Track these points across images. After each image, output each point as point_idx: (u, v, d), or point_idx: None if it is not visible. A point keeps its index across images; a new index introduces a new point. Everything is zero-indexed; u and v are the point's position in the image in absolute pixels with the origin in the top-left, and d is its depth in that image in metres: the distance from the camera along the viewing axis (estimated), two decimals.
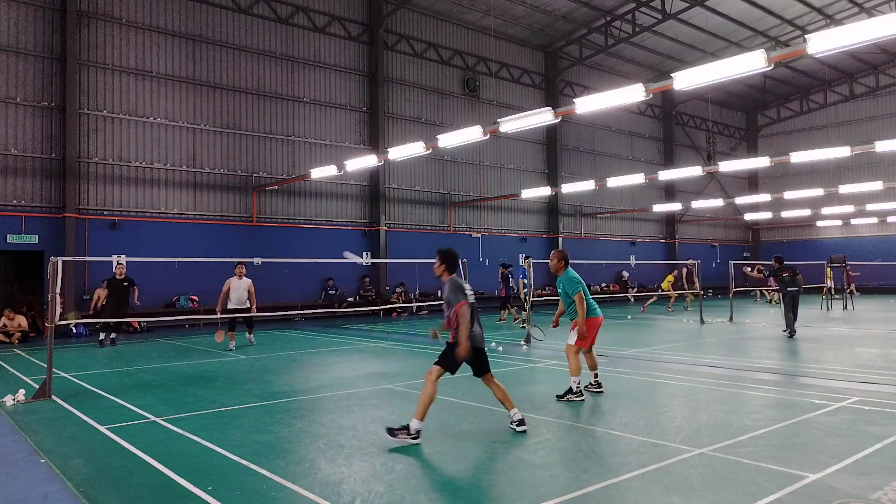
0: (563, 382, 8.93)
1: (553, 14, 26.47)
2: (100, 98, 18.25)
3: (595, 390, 8.06)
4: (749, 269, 23.07)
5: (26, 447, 5.96)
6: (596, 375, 8.16)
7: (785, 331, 14.14)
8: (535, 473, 5.00)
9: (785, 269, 14.46)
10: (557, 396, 7.74)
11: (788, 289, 14.24)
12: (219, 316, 12.99)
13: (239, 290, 13.29)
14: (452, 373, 6.11)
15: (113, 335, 14.55)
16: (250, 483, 4.83)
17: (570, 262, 8.13)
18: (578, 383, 7.65)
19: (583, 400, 7.60)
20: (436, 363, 6.01)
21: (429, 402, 5.88)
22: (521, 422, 6.20)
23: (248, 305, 13.37)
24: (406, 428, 5.84)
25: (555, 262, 8.05)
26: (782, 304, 14.63)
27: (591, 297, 7.99)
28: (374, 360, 11.56)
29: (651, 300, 23.94)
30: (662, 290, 22.95)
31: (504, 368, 10.26)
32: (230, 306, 13.19)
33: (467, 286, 6.18)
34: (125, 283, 14.54)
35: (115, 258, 16.88)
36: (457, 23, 26.25)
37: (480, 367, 6.18)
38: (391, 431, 5.85)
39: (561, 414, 6.99)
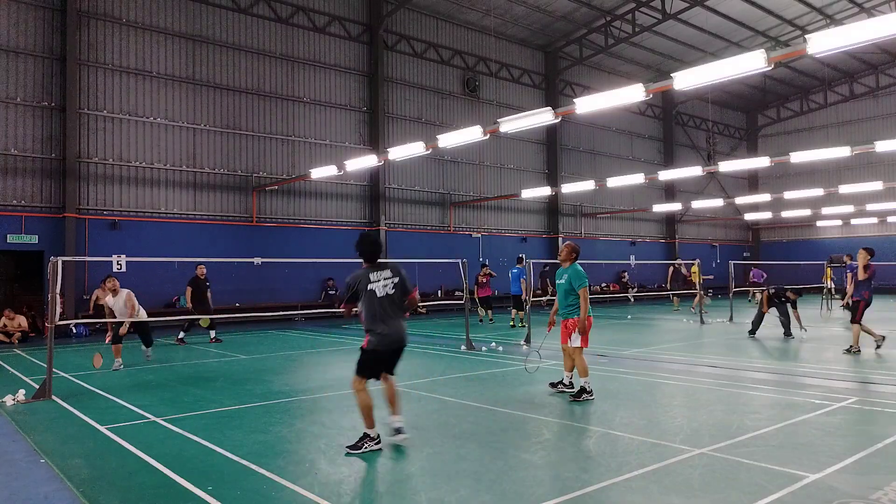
0: None
1: (553, 14, 26.47)
2: (100, 98, 18.25)
3: (566, 390, 7.98)
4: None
5: (26, 447, 5.95)
6: (572, 376, 8.07)
7: (789, 335, 13.90)
8: (535, 473, 5.00)
9: (787, 291, 14.04)
10: (572, 397, 7.67)
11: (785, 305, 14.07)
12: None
13: (116, 306, 11.21)
14: (371, 377, 5.73)
15: (181, 335, 14.65)
16: (250, 483, 4.83)
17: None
18: (588, 382, 7.66)
19: (593, 399, 7.61)
20: (355, 372, 5.75)
21: (366, 411, 5.64)
22: (400, 430, 5.78)
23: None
24: (366, 436, 5.61)
25: (565, 252, 7.93)
26: (777, 312, 14.12)
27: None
28: None
29: (697, 299, 23.06)
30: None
31: (504, 368, 10.26)
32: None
33: (379, 275, 5.65)
34: (207, 284, 14.56)
35: (115, 258, 16.94)
36: (457, 23, 26.25)
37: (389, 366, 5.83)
38: (351, 447, 5.57)
39: (561, 414, 6.99)
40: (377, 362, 5.73)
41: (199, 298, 14.54)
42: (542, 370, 10.07)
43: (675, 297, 23.79)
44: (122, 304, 11.19)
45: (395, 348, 5.74)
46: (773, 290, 14.10)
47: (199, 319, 14.62)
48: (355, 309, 5.70)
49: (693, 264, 22.42)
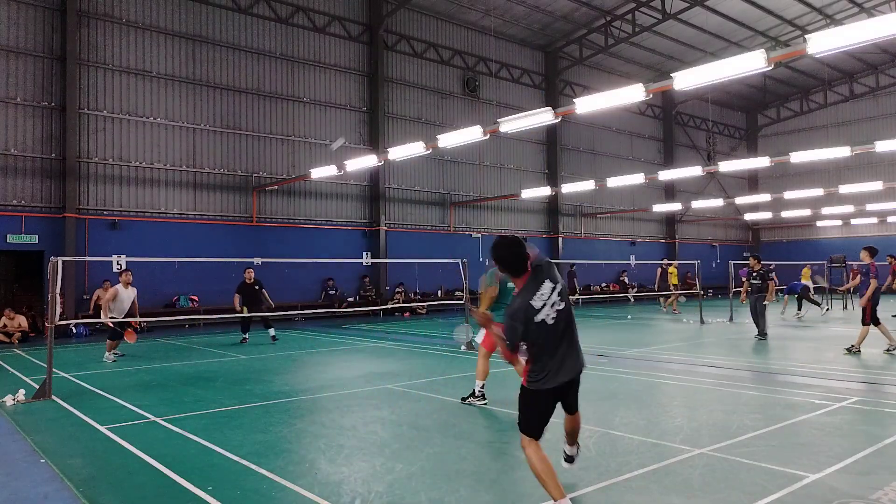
0: None
1: (553, 14, 26.46)
2: (100, 98, 18.25)
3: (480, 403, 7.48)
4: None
5: (26, 447, 5.95)
6: (483, 386, 7.49)
7: (760, 336, 13.62)
8: None
9: (766, 270, 14.10)
10: (462, 399, 7.57)
11: (762, 291, 13.93)
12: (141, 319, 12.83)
13: (125, 300, 11.85)
14: (536, 435, 4.30)
15: (246, 335, 14.61)
16: (250, 483, 4.83)
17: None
18: (483, 387, 7.44)
19: (485, 404, 7.36)
20: (521, 432, 4.38)
21: (546, 479, 4.11)
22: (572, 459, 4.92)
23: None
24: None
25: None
26: (756, 306, 13.84)
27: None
28: (374, 360, 11.55)
29: (671, 299, 23.05)
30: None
31: (503, 368, 10.26)
32: (117, 320, 11.79)
33: (541, 295, 4.10)
34: (256, 287, 14.34)
35: (114, 258, 16.93)
36: (457, 23, 26.25)
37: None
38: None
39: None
40: (541, 404, 4.24)
41: (252, 301, 14.23)
42: None
43: (661, 298, 23.75)
44: (132, 297, 12.00)
45: (560, 383, 4.17)
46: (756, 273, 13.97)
47: (251, 317, 14.44)
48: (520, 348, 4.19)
49: (671, 264, 22.54)
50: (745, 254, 39.51)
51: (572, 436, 4.78)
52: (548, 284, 4.14)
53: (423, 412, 7.16)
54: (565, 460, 4.88)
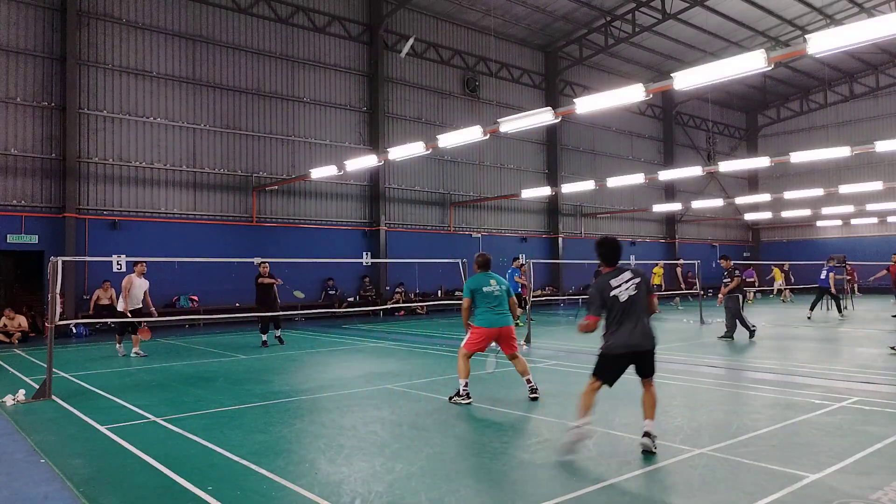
0: (563, 382, 8.94)
1: (553, 14, 26.46)
2: (100, 98, 18.25)
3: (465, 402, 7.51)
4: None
5: (26, 447, 5.95)
6: (466, 385, 7.58)
7: (729, 337, 13.57)
8: (535, 473, 5.00)
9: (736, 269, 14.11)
10: (449, 398, 7.64)
11: (742, 288, 13.91)
12: (151, 319, 12.95)
13: (139, 289, 12.41)
14: (607, 384, 5.47)
15: (278, 333, 14.24)
16: (250, 483, 4.83)
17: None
18: (466, 384, 7.51)
19: (469, 403, 7.41)
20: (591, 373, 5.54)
21: (584, 409, 5.40)
22: (649, 434, 5.43)
23: (143, 307, 12.60)
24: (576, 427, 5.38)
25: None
26: (730, 306, 13.73)
27: (487, 302, 7.55)
28: (374, 360, 11.56)
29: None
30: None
31: (503, 368, 10.25)
32: (131, 307, 12.29)
33: (621, 279, 5.42)
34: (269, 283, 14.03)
35: (114, 258, 16.94)
36: (457, 23, 26.25)
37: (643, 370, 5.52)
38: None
39: (561, 414, 6.99)
40: (613, 366, 5.42)
41: (266, 300, 13.87)
42: (543, 369, 10.05)
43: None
44: (145, 288, 12.44)
45: (635, 352, 5.39)
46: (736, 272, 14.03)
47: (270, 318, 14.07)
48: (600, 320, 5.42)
49: (657, 265, 22.66)
50: (744, 254, 39.63)
51: (649, 409, 5.52)
52: (628, 275, 5.51)
53: (423, 412, 7.16)
54: (644, 436, 5.44)
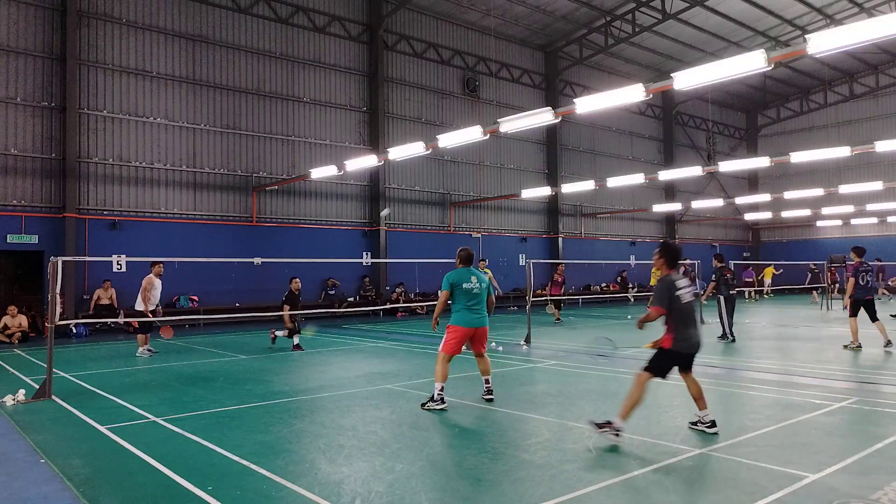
0: (563, 382, 8.95)
1: (553, 14, 26.46)
2: (100, 98, 18.25)
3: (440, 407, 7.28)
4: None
5: (26, 447, 5.95)
6: (442, 389, 7.34)
7: (723, 337, 13.41)
8: (535, 473, 5.00)
9: (727, 269, 14.11)
10: (422, 405, 7.37)
11: (731, 291, 13.84)
12: (160, 319, 13.07)
13: (158, 289, 12.59)
14: (661, 377, 5.96)
15: (296, 341, 13.72)
16: (250, 483, 4.83)
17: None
18: (441, 389, 7.28)
19: (444, 409, 7.20)
20: (644, 368, 5.96)
21: (633, 405, 5.81)
22: (713, 423, 6.01)
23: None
24: (610, 423, 5.77)
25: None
26: (723, 307, 13.66)
27: (466, 299, 7.42)
28: (374, 360, 11.56)
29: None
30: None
31: (504, 368, 10.26)
32: (150, 307, 12.48)
33: (682, 282, 5.99)
34: (298, 296, 13.80)
35: (114, 258, 16.94)
36: (457, 23, 26.24)
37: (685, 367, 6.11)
38: (597, 425, 5.82)
39: (561, 414, 6.99)
40: (675, 363, 5.98)
41: (295, 309, 13.67)
42: (543, 369, 10.05)
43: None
44: (160, 288, 12.57)
45: (693, 352, 6.00)
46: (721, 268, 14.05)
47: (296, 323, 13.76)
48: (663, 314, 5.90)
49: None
50: (744, 254, 39.64)
51: (700, 399, 6.04)
52: (685, 280, 6.10)
53: (422, 412, 7.16)
54: (709, 427, 5.97)
